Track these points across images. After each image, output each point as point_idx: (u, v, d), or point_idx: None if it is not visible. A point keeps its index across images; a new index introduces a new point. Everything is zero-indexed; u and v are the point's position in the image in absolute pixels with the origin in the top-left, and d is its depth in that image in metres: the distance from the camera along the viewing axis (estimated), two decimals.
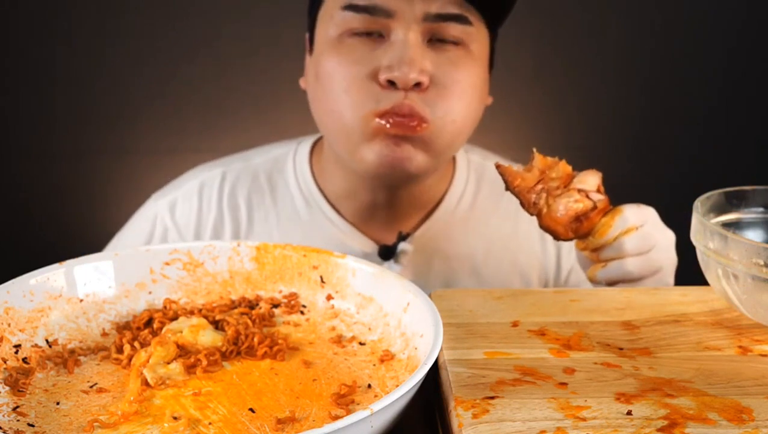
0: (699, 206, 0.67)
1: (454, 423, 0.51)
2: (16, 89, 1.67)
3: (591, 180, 0.73)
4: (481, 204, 0.98)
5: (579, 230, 0.73)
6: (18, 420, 0.54)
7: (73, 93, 1.68)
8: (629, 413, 0.52)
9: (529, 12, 1.71)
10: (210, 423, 0.53)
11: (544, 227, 0.73)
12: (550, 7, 1.72)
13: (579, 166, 1.01)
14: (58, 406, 0.56)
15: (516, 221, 0.98)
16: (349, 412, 0.55)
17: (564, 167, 0.73)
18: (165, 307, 0.69)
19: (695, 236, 0.66)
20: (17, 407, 0.56)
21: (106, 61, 1.66)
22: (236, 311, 0.68)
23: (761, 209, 0.71)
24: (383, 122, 0.81)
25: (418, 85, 0.81)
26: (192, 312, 0.68)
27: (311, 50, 0.89)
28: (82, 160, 1.71)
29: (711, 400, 0.54)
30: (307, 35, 0.93)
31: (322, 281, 0.71)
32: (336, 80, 0.83)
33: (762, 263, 0.60)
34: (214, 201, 0.96)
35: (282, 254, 0.72)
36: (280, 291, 0.72)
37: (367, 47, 0.83)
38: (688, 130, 1.82)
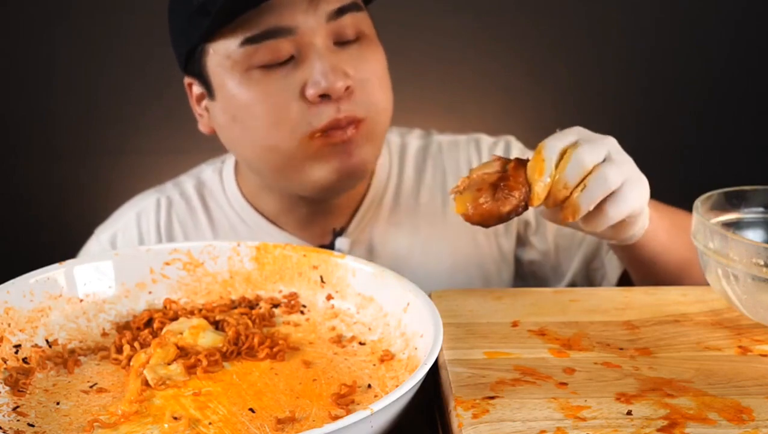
0: (699, 206, 0.67)
1: (454, 423, 0.51)
2: (16, 89, 1.67)
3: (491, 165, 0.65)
4: (406, 183, 0.98)
5: (508, 198, 0.63)
6: (18, 420, 0.54)
7: (73, 93, 1.68)
8: (629, 413, 0.52)
9: (529, 12, 1.71)
10: (210, 423, 0.53)
11: (474, 221, 0.64)
12: (550, 7, 1.72)
13: None
14: (58, 406, 0.56)
15: (444, 188, 0.98)
16: (349, 412, 0.55)
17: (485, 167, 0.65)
18: (165, 307, 0.69)
19: (695, 236, 0.66)
20: (17, 407, 0.56)
21: (106, 62, 1.66)
22: (236, 311, 0.68)
23: (761, 209, 0.71)
24: (321, 138, 0.80)
25: (346, 89, 0.79)
26: (192, 312, 0.68)
27: (211, 96, 0.85)
28: (82, 160, 1.71)
29: (711, 400, 0.54)
30: (188, 82, 0.89)
31: (322, 281, 0.71)
32: (260, 115, 0.81)
33: (762, 263, 0.60)
34: (153, 228, 0.97)
35: (282, 254, 0.72)
36: (280, 291, 0.72)
37: (281, 73, 0.80)
38: (689, 130, 1.82)
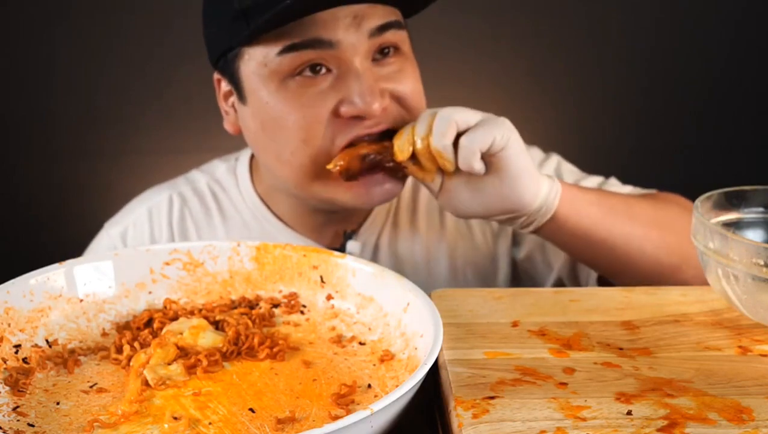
0: (699, 206, 0.67)
1: (454, 423, 0.51)
2: (16, 89, 1.67)
3: None
4: (408, 185, 0.97)
5: (366, 145, 0.78)
6: (18, 420, 0.54)
7: (73, 93, 1.68)
8: (629, 413, 0.52)
9: (529, 12, 1.71)
10: (210, 423, 0.53)
11: (342, 168, 0.78)
12: (550, 7, 1.72)
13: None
14: (58, 406, 0.56)
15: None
16: (349, 412, 0.55)
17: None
18: (165, 307, 0.69)
19: (695, 236, 0.66)
20: (17, 407, 0.56)
21: (106, 62, 1.66)
22: (236, 311, 0.68)
23: (761, 209, 0.71)
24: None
25: (382, 111, 0.79)
26: (192, 312, 0.68)
27: (242, 99, 0.84)
28: (82, 160, 1.71)
29: (711, 400, 0.54)
30: (217, 78, 0.88)
31: (322, 281, 0.71)
32: (291, 129, 0.80)
33: (762, 263, 0.60)
34: (165, 225, 0.97)
35: (282, 254, 0.72)
36: (280, 291, 0.72)
37: (318, 86, 0.79)
38: (689, 130, 1.82)
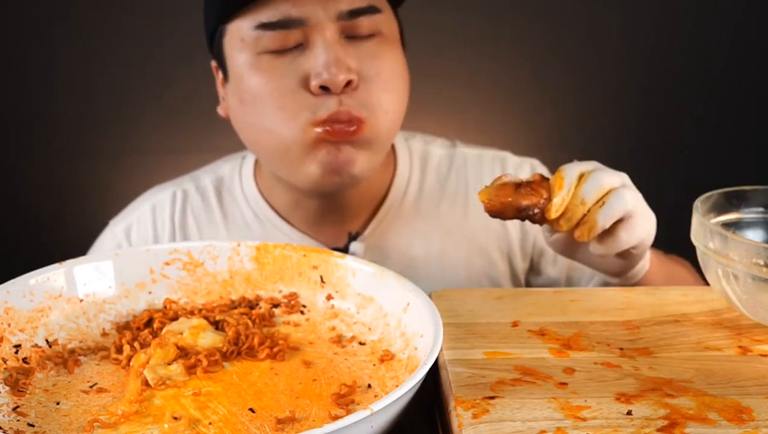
0: (699, 206, 0.67)
1: (454, 423, 0.51)
2: (16, 89, 1.67)
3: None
4: (427, 191, 0.98)
5: (528, 195, 0.67)
6: (18, 420, 0.54)
7: (73, 93, 1.68)
8: (629, 413, 0.52)
9: (529, 12, 1.71)
10: (210, 423, 0.53)
11: (494, 209, 0.68)
12: (550, 7, 1.72)
13: None
14: (58, 406, 0.56)
15: (466, 200, 0.98)
16: (349, 412, 0.55)
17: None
18: (165, 307, 0.69)
19: (695, 236, 0.66)
20: (17, 407, 0.56)
21: (106, 62, 1.66)
22: (236, 311, 0.68)
23: (761, 209, 0.71)
24: (321, 129, 0.80)
25: (348, 84, 0.79)
26: (192, 312, 0.68)
27: (226, 79, 0.87)
28: (82, 160, 1.71)
29: (711, 400, 0.54)
30: (213, 64, 0.91)
31: (322, 281, 0.71)
32: (265, 99, 0.82)
33: (762, 263, 0.60)
34: (167, 222, 0.97)
35: (282, 254, 0.72)
36: (280, 291, 0.72)
37: (288, 58, 0.81)
38: (689, 130, 1.81)
